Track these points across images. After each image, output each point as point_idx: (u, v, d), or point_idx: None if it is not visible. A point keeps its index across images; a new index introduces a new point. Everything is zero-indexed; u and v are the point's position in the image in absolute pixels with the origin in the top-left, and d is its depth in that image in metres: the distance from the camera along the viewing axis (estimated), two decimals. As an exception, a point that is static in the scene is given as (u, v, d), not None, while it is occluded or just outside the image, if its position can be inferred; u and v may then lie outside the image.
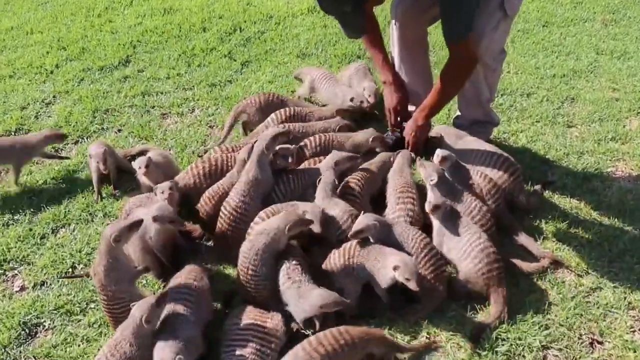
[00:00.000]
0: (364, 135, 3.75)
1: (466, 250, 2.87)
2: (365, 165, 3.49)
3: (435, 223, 3.01)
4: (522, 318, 2.80)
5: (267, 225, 2.85)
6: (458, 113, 4.01)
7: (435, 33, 5.39)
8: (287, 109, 3.96)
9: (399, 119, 3.87)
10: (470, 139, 3.62)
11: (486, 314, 2.83)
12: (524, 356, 2.65)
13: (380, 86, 4.21)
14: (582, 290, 2.95)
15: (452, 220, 2.96)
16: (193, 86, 4.90)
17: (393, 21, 3.73)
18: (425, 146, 3.76)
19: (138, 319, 2.38)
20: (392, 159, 3.51)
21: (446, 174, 3.22)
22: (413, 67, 3.86)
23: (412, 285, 2.62)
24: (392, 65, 3.86)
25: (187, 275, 2.78)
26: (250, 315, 2.67)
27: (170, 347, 2.35)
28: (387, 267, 2.71)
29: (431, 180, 3.11)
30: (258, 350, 2.49)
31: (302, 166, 3.48)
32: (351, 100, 4.14)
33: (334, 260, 2.88)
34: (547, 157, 3.93)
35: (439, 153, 3.22)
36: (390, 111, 3.86)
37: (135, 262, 2.98)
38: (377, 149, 3.74)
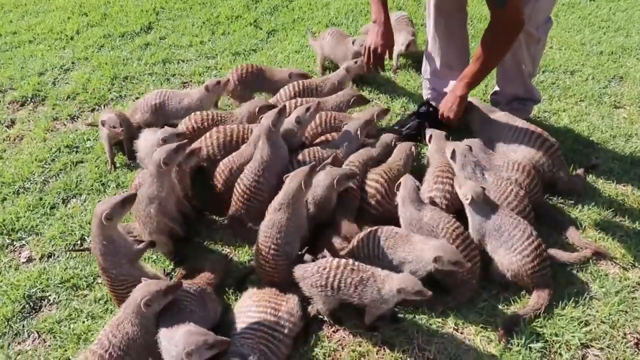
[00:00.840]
0: (369, 113, 3.42)
1: (516, 248, 2.61)
2: (388, 161, 3.19)
3: (476, 218, 2.71)
4: (560, 312, 2.56)
5: (281, 197, 2.64)
6: (496, 88, 3.72)
7: (473, 4, 5.11)
8: (296, 83, 3.70)
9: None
10: (500, 114, 3.34)
11: (521, 306, 2.60)
12: (560, 354, 2.41)
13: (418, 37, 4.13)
14: (627, 285, 2.69)
15: (493, 214, 2.67)
16: (216, 54, 4.71)
17: (430, -15, 3.44)
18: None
19: (138, 299, 2.21)
20: (412, 149, 3.24)
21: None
22: (449, 37, 3.56)
23: (462, 266, 2.44)
24: (386, 8, 3.35)
25: (199, 279, 2.65)
26: (264, 297, 2.48)
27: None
28: (424, 259, 2.47)
29: (450, 157, 2.95)
30: (269, 335, 2.31)
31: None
32: (353, 43, 4.02)
33: (356, 247, 2.66)
34: (591, 139, 3.65)
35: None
36: (370, 50, 3.37)
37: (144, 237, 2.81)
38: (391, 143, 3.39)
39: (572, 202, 3.14)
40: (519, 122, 3.23)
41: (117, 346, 2.18)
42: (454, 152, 2.94)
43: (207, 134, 3.23)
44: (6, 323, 2.67)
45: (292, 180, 2.63)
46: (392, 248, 2.57)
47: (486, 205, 2.69)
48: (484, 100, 3.94)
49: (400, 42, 4.23)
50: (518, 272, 2.60)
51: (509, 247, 2.62)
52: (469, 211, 2.74)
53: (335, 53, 4.21)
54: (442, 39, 3.57)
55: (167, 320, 2.25)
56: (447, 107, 3.30)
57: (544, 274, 2.61)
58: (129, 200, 2.49)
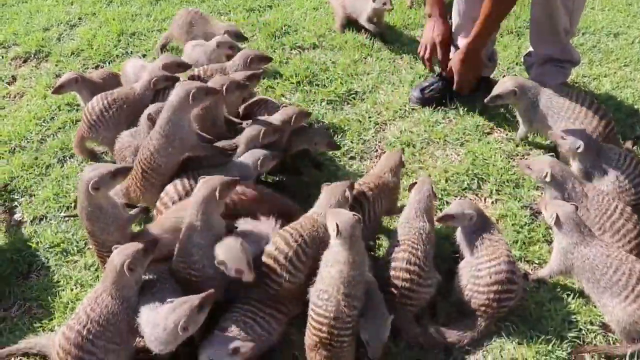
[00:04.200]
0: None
1: (627, 296, 2.09)
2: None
3: (565, 241, 2.23)
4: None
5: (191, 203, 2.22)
6: (530, 49, 3.36)
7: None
8: None
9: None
10: (549, 90, 2.89)
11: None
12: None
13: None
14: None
15: (584, 245, 2.19)
16: (229, 10, 4.44)
17: None
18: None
19: (118, 265, 1.98)
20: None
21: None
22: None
23: None
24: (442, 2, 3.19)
25: None
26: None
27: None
28: None
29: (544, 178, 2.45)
30: (257, 309, 2.12)
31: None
32: (374, 0, 3.74)
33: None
34: (635, 107, 3.33)
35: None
36: (435, 45, 3.18)
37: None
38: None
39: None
40: (572, 94, 2.84)
41: (95, 321, 1.97)
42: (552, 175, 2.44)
43: None
44: (-7, 288, 2.52)
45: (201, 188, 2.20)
46: None
47: (576, 232, 2.21)
48: (517, 64, 3.62)
49: None
50: (626, 321, 2.09)
51: (617, 294, 2.12)
52: (558, 232, 2.27)
53: (355, 8, 3.91)
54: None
55: (147, 299, 2.05)
56: (457, 70, 3.10)
57: None
58: (122, 172, 2.30)
